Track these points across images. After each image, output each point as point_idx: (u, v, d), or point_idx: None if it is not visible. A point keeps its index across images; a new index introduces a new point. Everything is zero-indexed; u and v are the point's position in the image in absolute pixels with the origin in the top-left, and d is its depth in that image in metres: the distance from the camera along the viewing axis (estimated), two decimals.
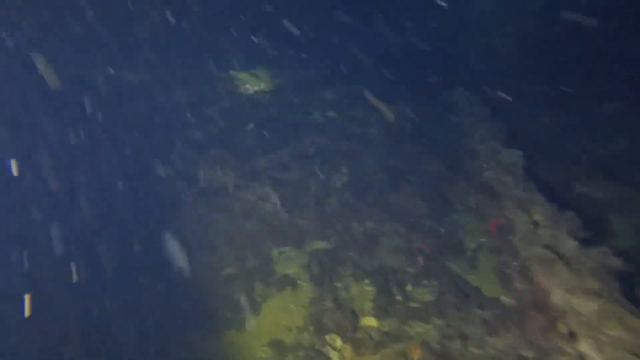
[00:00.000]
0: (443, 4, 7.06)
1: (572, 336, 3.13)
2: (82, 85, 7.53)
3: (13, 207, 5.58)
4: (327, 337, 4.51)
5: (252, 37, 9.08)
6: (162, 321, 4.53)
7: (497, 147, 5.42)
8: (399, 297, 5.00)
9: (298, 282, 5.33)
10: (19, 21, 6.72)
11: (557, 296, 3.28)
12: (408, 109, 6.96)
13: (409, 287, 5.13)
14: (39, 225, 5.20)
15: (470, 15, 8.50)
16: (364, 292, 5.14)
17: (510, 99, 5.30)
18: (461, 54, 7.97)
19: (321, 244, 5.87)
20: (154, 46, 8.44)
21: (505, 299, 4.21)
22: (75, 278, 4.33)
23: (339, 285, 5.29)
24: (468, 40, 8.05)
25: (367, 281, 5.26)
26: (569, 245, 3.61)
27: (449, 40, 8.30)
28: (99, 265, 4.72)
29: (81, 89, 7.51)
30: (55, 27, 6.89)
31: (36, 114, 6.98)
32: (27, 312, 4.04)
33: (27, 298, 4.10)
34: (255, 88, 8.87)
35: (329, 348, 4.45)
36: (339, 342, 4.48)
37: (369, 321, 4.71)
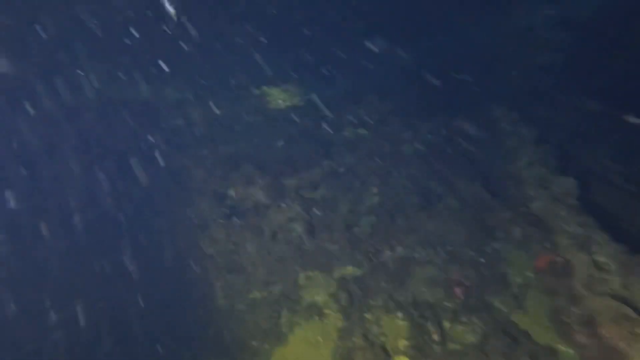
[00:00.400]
0: None
1: None
2: (119, 100, 7.71)
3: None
4: None
5: (282, 53, 8.98)
6: (187, 347, 4.31)
7: (546, 174, 4.80)
8: (435, 336, 4.49)
9: (326, 311, 4.96)
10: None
11: None
12: (443, 126, 6.45)
13: (446, 324, 4.61)
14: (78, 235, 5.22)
15: (513, 29, 7.81)
16: (396, 326, 4.68)
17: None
18: (503, 70, 7.29)
19: (350, 270, 5.48)
20: (188, 62, 8.58)
21: (564, 350, 3.60)
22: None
23: (369, 317, 4.86)
24: (511, 54, 7.35)
25: (399, 314, 4.79)
26: None
27: (489, 55, 7.67)
28: (123, 283, 4.60)
29: (117, 104, 7.69)
30: (89, 45, 7.09)
31: (81, 126, 7.20)
32: None
33: None
34: (287, 103, 8.71)
35: None
36: None
37: None
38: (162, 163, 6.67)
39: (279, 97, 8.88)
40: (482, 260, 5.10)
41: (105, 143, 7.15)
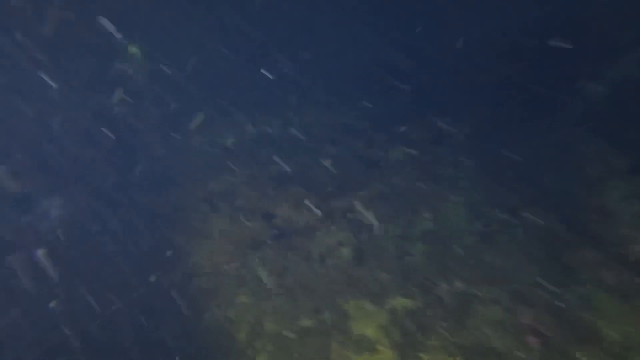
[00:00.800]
0: None
1: None
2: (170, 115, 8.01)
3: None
4: None
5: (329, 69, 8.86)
6: None
7: None
8: None
9: (377, 347, 4.43)
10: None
11: None
12: (506, 147, 5.68)
13: None
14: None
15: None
16: None
17: None
18: (579, 82, 6.10)
19: (402, 302, 4.92)
20: (240, 76, 8.83)
21: None
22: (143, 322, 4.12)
23: (426, 358, 4.23)
24: (587, 62, 6.06)
25: None
26: None
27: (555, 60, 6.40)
28: (166, 303, 4.49)
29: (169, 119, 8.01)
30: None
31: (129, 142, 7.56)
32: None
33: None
34: (334, 122, 8.50)
35: None
36: None
37: None
38: (215, 181, 6.74)
39: (326, 116, 8.71)
40: (562, 305, 4.24)
41: (156, 156, 7.41)
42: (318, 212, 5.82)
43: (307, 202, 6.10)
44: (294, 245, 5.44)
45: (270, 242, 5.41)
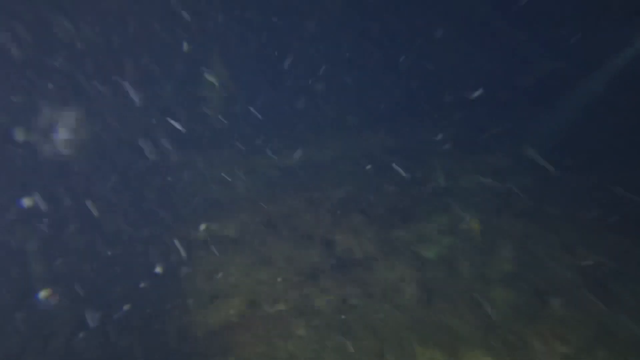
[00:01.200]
0: None
1: None
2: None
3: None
4: None
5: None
6: None
7: None
8: None
9: None
10: None
11: None
12: (613, 181, 4.60)
13: None
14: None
15: None
16: None
17: None
18: None
19: (482, 359, 3.99)
20: (309, 103, 8.99)
21: None
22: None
23: None
24: None
25: None
26: None
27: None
28: (219, 336, 4.18)
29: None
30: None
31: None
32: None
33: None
34: (399, 146, 8.00)
35: None
36: None
37: None
38: (275, 204, 6.62)
39: (388, 139, 8.29)
40: None
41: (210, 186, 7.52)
42: (379, 242, 5.28)
43: (367, 230, 5.62)
44: (354, 278, 4.92)
45: (330, 271, 4.97)
